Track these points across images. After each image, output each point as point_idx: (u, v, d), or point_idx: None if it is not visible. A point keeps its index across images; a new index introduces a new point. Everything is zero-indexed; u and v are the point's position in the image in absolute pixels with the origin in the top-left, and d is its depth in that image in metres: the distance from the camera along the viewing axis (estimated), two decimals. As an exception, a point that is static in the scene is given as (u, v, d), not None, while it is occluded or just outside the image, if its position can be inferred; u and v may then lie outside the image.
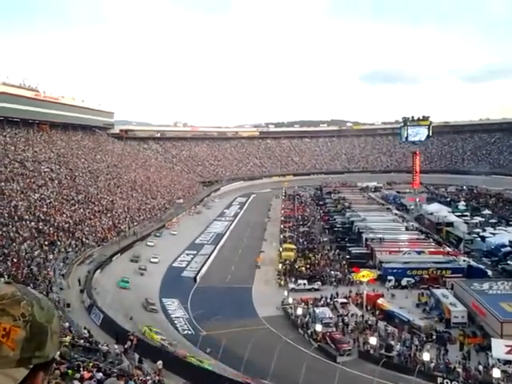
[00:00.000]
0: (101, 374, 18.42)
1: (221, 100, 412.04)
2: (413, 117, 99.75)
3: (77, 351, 23.80)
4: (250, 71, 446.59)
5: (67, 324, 29.54)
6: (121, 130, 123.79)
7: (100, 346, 27.08)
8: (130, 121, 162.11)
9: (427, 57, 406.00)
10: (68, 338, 23.66)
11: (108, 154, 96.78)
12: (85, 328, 31.66)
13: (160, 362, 27.37)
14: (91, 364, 20.15)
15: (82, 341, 27.22)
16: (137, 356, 27.20)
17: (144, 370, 25.27)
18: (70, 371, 15.80)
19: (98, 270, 48.17)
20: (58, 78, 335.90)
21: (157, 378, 23.10)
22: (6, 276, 34.22)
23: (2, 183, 55.57)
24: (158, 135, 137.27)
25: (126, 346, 28.57)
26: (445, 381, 29.96)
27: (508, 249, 55.83)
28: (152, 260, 55.33)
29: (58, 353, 17.29)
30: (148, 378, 22.44)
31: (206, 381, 27.27)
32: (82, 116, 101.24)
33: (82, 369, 17.36)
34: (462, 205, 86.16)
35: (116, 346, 27.75)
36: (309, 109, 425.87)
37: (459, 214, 76.61)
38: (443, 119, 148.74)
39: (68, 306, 35.37)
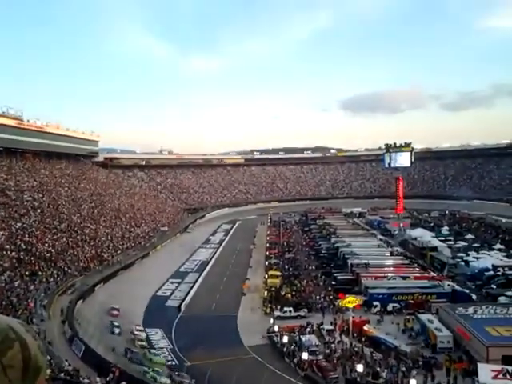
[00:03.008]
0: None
1: (206, 128, 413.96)
2: (395, 143, 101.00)
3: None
4: (235, 100, 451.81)
5: (48, 357, 28.76)
6: (105, 158, 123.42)
7: (81, 379, 26.40)
8: (115, 148, 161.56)
9: (408, 84, 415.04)
10: (48, 372, 23.03)
11: (92, 183, 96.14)
12: (66, 360, 30.85)
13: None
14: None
15: (63, 374, 26.53)
16: (119, 388, 26.54)
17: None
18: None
19: (80, 300, 47.23)
20: (42, 106, 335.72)
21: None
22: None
23: (-17, 212, 54.80)
24: (143, 163, 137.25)
25: (108, 379, 27.90)
26: (432, 408, 29.72)
27: (491, 273, 56.37)
28: None
29: None
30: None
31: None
32: (67, 144, 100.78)
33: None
34: (445, 229, 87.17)
35: (98, 379, 27.11)
36: (293, 136, 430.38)
37: (443, 238, 77.36)
38: (425, 145, 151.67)
39: (49, 343, 34.36)
